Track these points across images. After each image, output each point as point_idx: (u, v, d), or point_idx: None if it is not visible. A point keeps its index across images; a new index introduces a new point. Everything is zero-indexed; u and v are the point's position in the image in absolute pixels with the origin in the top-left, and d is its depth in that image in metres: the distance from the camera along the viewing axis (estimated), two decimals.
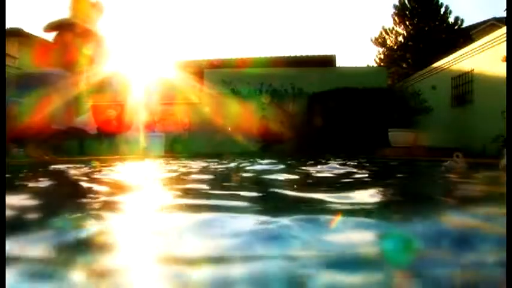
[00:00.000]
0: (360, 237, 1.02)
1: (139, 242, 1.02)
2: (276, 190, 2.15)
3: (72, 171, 3.70)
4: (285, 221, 1.10)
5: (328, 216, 1.26)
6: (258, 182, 2.84)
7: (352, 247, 0.92)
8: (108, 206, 1.62)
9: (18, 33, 11.14)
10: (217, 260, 0.81)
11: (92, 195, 2.04)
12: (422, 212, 1.42)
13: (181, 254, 0.86)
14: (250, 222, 1.17)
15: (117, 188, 2.46)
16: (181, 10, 41.53)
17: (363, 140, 10.40)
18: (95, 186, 2.39)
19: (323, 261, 0.80)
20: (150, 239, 1.02)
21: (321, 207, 1.53)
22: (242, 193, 2.01)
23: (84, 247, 0.93)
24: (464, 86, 9.33)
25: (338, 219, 1.21)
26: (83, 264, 0.80)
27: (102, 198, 1.93)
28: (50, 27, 5.26)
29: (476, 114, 8.71)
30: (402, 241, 0.98)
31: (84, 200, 1.82)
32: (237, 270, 0.75)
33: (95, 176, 3.22)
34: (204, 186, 2.42)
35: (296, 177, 3.03)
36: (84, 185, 2.58)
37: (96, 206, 1.65)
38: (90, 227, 1.13)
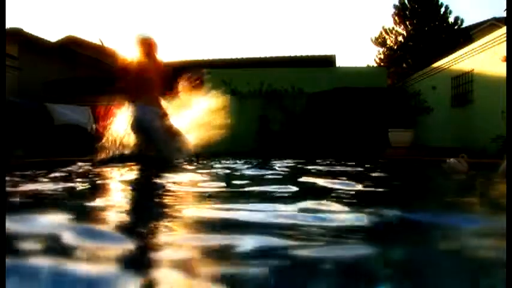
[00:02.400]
0: None
1: None
2: None
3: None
4: None
5: None
6: None
7: None
8: None
9: (18, 34, 11.14)
10: None
11: None
12: None
13: None
14: None
15: None
16: (181, 10, 41.56)
17: (363, 140, 10.38)
18: None
19: None
20: None
21: None
22: None
23: None
24: (464, 86, 9.32)
25: None
26: None
27: None
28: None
29: (476, 114, 8.71)
30: None
31: None
32: None
33: None
34: None
35: None
36: None
37: None
38: None
